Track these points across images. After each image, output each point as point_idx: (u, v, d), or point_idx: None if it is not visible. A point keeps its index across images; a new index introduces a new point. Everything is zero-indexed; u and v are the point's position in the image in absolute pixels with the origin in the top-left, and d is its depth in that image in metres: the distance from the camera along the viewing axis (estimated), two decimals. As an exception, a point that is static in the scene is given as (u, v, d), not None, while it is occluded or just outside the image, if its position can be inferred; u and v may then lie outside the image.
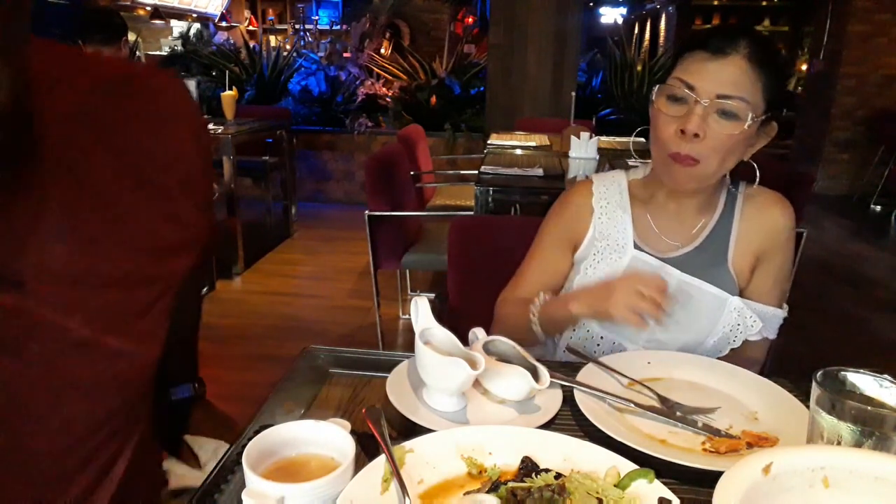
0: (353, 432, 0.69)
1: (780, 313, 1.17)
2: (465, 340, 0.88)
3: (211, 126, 3.87)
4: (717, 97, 1.00)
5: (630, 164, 1.28)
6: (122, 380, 0.67)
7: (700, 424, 0.83)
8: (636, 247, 1.16)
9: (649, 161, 1.18)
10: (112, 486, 0.70)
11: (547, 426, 0.82)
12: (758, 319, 1.12)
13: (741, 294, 1.15)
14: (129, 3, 7.53)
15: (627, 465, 0.68)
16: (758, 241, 1.15)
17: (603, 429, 0.78)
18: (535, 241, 1.26)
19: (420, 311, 0.87)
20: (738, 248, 1.15)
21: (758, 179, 1.13)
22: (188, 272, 0.70)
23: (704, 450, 0.79)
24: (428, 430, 0.75)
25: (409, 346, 0.87)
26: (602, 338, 1.17)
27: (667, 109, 1.05)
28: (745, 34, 1.02)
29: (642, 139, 1.22)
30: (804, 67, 8.63)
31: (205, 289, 3.60)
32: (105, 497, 0.70)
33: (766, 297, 1.16)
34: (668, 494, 0.64)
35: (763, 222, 1.15)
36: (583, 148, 3.07)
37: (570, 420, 0.85)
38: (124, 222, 0.62)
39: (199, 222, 0.71)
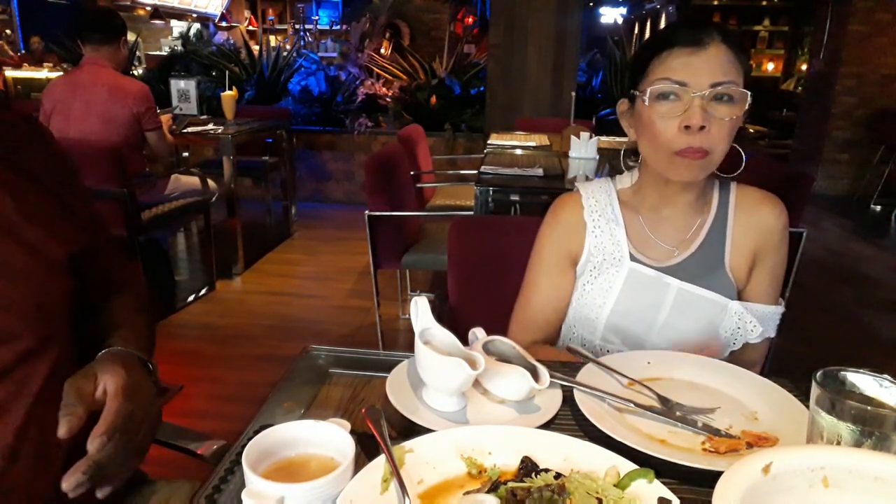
0: (352, 432, 0.69)
1: (779, 310, 1.16)
2: (465, 340, 0.88)
3: (211, 126, 3.87)
4: (710, 86, 1.01)
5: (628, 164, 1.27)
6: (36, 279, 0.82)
7: (700, 424, 0.83)
8: (632, 258, 1.14)
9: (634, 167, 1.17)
10: (27, 399, 0.81)
11: (547, 426, 0.82)
12: (757, 324, 1.12)
13: (739, 295, 1.15)
14: (129, 3, 7.54)
15: (627, 465, 0.68)
16: (753, 241, 1.15)
17: (603, 429, 0.78)
18: (532, 263, 1.23)
19: (420, 311, 0.87)
20: (734, 250, 1.14)
21: (743, 162, 1.13)
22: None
23: (704, 450, 0.79)
24: (428, 430, 0.75)
25: (409, 346, 0.87)
26: (608, 350, 1.17)
27: (662, 110, 1.04)
28: (711, 23, 1.05)
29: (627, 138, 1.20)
30: (804, 67, 8.64)
31: (204, 289, 3.61)
32: (20, 408, 0.80)
33: (763, 296, 1.16)
34: (668, 494, 0.64)
35: (756, 223, 1.15)
36: (583, 148, 3.07)
37: (570, 420, 0.85)
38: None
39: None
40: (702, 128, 1.01)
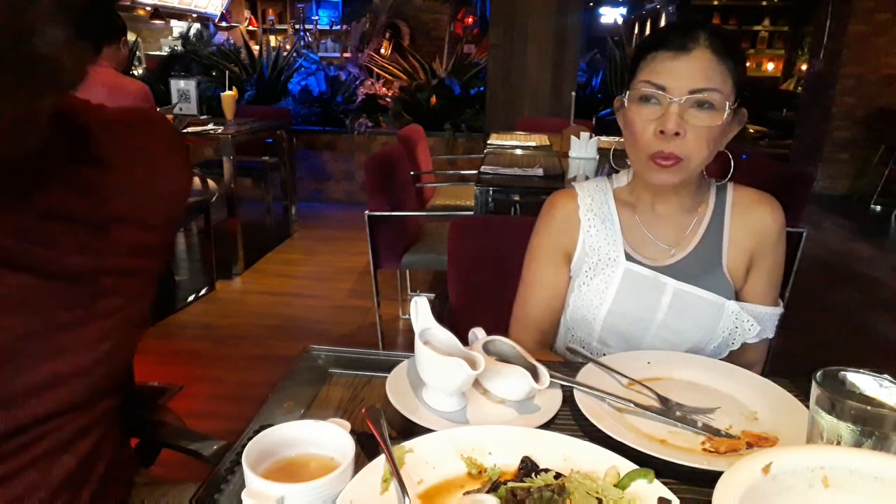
0: (352, 432, 0.69)
1: (777, 311, 1.16)
2: (465, 340, 0.88)
3: (211, 126, 3.87)
4: (689, 92, 1.00)
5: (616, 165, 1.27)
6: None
7: (700, 424, 0.83)
8: (628, 258, 1.14)
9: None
10: (93, 483, 0.77)
11: (547, 426, 0.82)
12: (755, 324, 1.12)
13: (737, 296, 1.15)
14: (129, 3, 7.53)
15: (627, 465, 0.68)
16: (750, 242, 1.14)
17: (603, 429, 0.78)
18: (527, 261, 1.23)
19: (420, 311, 0.87)
20: (731, 250, 1.14)
21: (732, 169, 1.13)
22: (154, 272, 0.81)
23: (704, 450, 0.79)
24: (428, 430, 0.76)
25: (409, 346, 0.87)
26: (604, 354, 1.17)
27: (641, 113, 1.04)
28: (701, 27, 1.03)
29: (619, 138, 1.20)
30: (804, 67, 8.63)
31: (204, 289, 3.61)
32: (88, 492, 0.77)
33: (761, 297, 1.15)
34: (668, 494, 0.64)
35: (753, 223, 1.14)
36: (583, 148, 3.07)
37: (570, 420, 0.85)
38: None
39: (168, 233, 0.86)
40: (676, 134, 1.01)
